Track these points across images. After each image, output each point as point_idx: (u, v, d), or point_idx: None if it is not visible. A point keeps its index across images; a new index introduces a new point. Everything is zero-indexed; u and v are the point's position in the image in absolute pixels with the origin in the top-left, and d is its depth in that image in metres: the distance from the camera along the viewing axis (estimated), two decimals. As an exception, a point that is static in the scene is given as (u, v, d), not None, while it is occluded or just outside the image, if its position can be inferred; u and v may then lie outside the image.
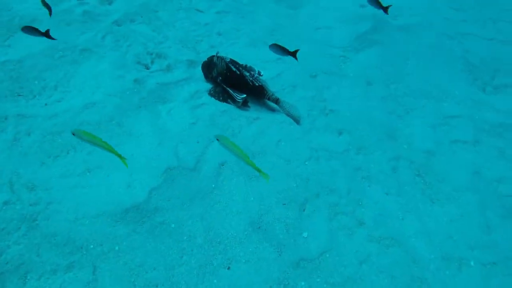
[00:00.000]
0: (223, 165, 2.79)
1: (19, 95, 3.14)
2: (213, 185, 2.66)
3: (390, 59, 4.17)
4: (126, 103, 3.13)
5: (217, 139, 2.05)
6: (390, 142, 3.27)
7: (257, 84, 3.24)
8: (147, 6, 4.19)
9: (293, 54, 2.81)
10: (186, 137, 2.94)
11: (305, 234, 2.49)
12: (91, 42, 3.64)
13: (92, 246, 2.22)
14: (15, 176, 2.57)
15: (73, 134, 1.96)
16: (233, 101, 3.29)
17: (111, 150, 1.95)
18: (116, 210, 2.38)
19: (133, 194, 2.48)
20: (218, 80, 3.37)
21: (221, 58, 3.31)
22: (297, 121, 3.24)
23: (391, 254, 2.45)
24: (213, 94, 3.37)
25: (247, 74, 3.26)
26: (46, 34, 2.47)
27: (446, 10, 5.26)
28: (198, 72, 3.57)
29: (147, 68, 3.57)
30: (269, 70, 3.75)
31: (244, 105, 3.30)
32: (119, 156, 1.93)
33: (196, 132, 3.00)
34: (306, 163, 2.95)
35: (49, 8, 2.59)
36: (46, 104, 3.09)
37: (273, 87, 3.54)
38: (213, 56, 3.40)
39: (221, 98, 3.34)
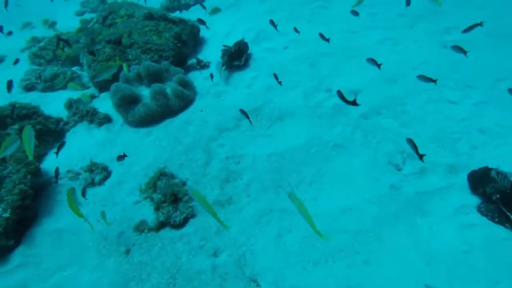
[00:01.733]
0: (519, 326, 2.16)
1: (279, 187, 3.45)
2: None
3: None
4: (383, 212, 2.96)
5: (289, 196, 2.40)
6: None
7: None
8: (394, 99, 4.08)
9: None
10: (462, 270, 2.46)
11: None
12: (341, 137, 3.75)
13: None
14: (281, 277, 2.70)
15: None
16: (516, 227, 2.63)
17: None
18: None
19: None
20: (494, 198, 2.79)
21: (503, 174, 2.75)
22: None
23: None
24: (484, 213, 2.80)
25: (548, 200, 2.57)
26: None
27: None
28: (461, 180, 3.09)
29: (399, 169, 3.35)
30: None
31: (531, 234, 2.59)
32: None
33: (472, 265, 2.49)
34: None
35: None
36: (303, 201, 3.26)
37: None
38: (488, 168, 2.87)
39: (496, 220, 2.74)
